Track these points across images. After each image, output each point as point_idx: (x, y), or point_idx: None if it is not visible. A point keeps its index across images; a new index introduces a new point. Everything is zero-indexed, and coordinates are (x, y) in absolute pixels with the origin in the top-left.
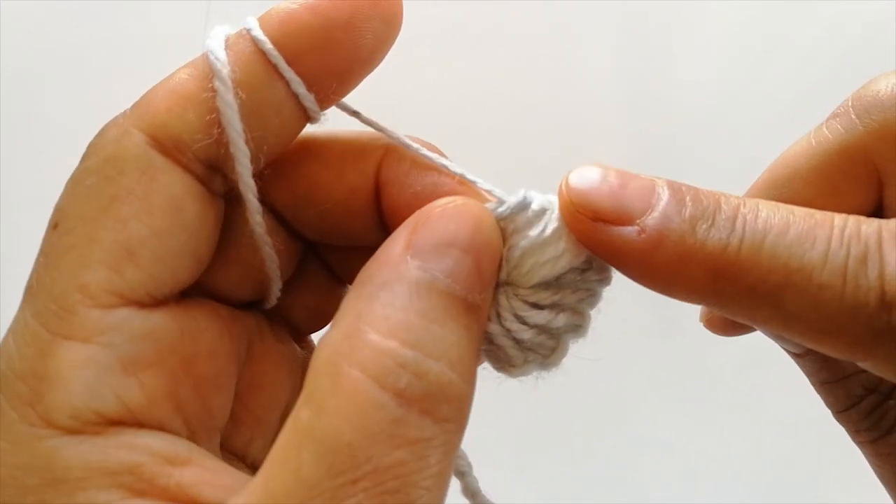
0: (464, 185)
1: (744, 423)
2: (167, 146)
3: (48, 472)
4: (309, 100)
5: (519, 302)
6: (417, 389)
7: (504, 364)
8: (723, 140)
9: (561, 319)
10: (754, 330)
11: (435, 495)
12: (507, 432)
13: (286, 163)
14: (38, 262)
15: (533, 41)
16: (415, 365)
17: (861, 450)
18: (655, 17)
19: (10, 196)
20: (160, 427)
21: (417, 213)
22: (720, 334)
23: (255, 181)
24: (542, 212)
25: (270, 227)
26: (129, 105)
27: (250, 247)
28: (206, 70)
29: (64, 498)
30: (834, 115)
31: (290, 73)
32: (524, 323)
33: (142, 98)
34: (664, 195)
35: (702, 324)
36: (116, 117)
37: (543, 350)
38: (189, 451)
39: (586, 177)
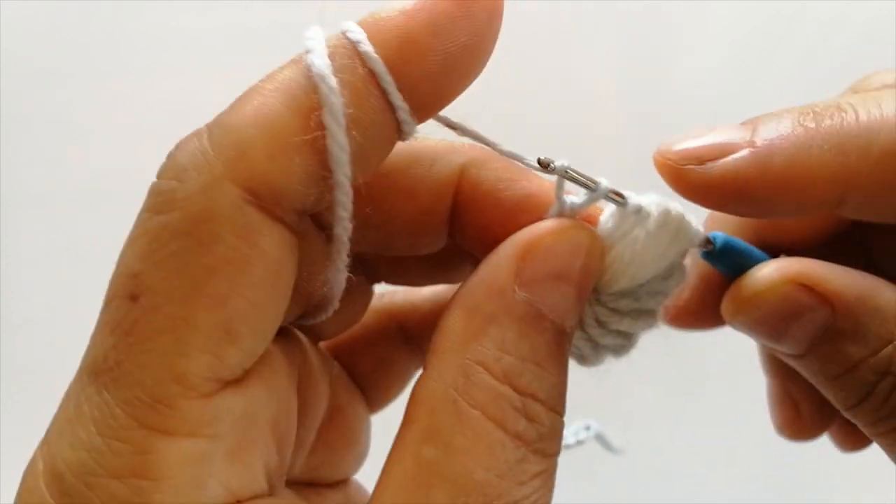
0: (548, 195)
1: (744, 424)
2: (267, 202)
3: None
4: (408, 120)
5: (602, 308)
6: (533, 433)
7: (578, 359)
8: None
9: (640, 324)
10: (719, 325)
11: None
12: None
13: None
14: (113, 339)
15: (534, 36)
16: (529, 409)
17: (880, 444)
18: (657, 13)
19: (10, 196)
20: (254, 497)
21: (523, 234)
22: (685, 327)
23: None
24: (642, 219)
25: (322, 243)
26: (129, 103)
27: (312, 277)
28: (304, 98)
29: None
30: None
31: (403, 110)
32: (605, 328)
33: (227, 133)
34: (759, 121)
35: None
36: (190, 150)
37: (617, 348)
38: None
39: (678, 141)
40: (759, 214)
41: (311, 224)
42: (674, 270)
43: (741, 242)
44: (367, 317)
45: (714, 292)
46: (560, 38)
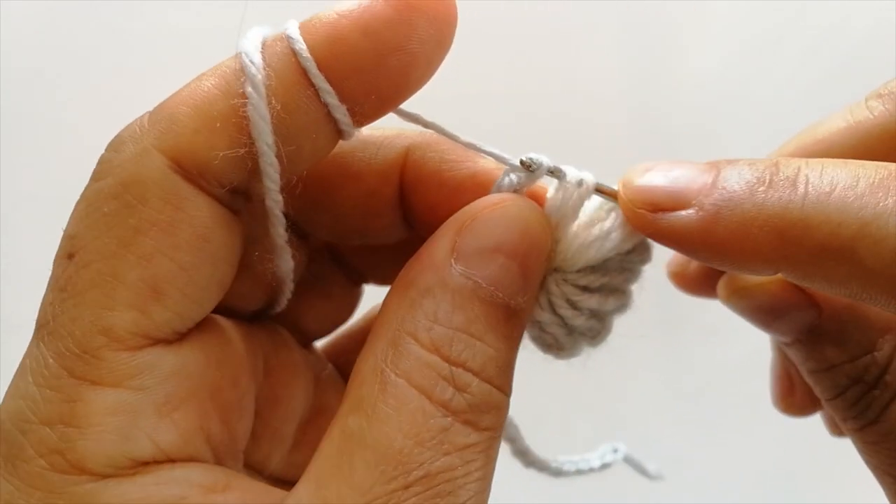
0: (491, 176)
1: (744, 425)
2: (192, 173)
3: None
4: (344, 117)
5: (570, 287)
6: (462, 402)
7: (553, 348)
8: (727, 135)
9: (611, 302)
10: (716, 295)
11: (481, 497)
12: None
13: None
14: (52, 295)
15: (536, 35)
16: (457, 379)
17: (850, 438)
18: (659, 11)
19: (10, 196)
20: (191, 460)
21: (462, 212)
22: (687, 291)
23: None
24: (586, 190)
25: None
26: (127, 103)
27: (262, 256)
28: (234, 80)
29: None
30: (876, 95)
31: (329, 94)
32: (576, 308)
33: (162, 110)
34: (715, 172)
35: (669, 278)
36: (131, 126)
37: (592, 332)
38: (226, 477)
39: (641, 174)
40: (703, 262)
41: (252, 204)
42: (636, 245)
43: None
44: (366, 322)
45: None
46: (560, 38)
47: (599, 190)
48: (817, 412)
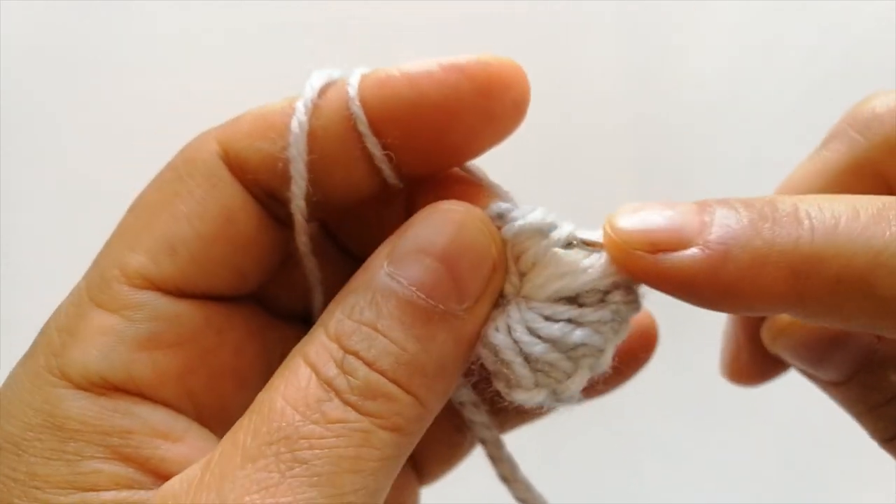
0: (475, 189)
1: (744, 425)
2: (233, 163)
3: (50, 416)
4: (384, 165)
5: (532, 314)
6: (344, 383)
7: (512, 385)
8: (728, 137)
9: (578, 336)
10: (783, 372)
11: (341, 477)
12: (507, 436)
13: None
14: (111, 237)
15: (536, 35)
16: (346, 364)
17: None
18: (659, 12)
19: (10, 196)
20: (166, 406)
21: (410, 218)
22: (747, 384)
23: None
24: (558, 228)
25: (319, 243)
26: (127, 103)
27: (291, 263)
28: (283, 113)
29: (57, 443)
30: (831, 137)
31: (372, 142)
32: (535, 334)
33: (238, 116)
34: (716, 210)
35: (726, 377)
36: (216, 127)
37: (556, 373)
38: (187, 430)
39: (631, 214)
40: (706, 308)
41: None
42: (619, 284)
43: None
44: None
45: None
46: (559, 38)
47: (572, 242)
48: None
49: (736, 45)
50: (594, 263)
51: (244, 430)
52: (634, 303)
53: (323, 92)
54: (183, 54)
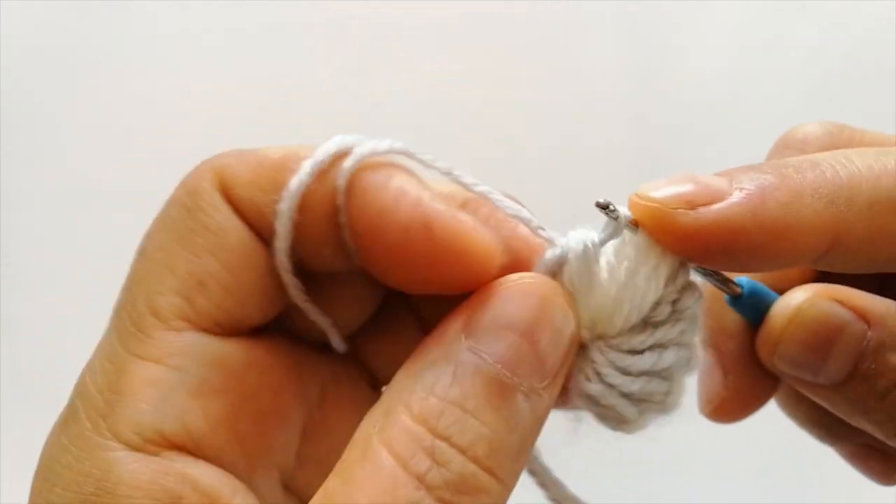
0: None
1: (744, 425)
2: (230, 200)
3: (102, 482)
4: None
5: (616, 353)
6: (437, 478)
7: (621, 423)
8: (728, 137)
9: (668, 358)
10: (763, 403)
11: None
12: None
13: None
14: (126, 283)
15: (537, 36)
16: (437, 453)
17: None
18: (659, 12)
19: (10, 196)
20: (217, 456)
21: (482, 290)
22: (728, 421)
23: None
24: (593, 250)
25: (349, 272)
26: (127, 103)
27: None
28: (294, 159)
29: None
30: (767, 160)
31: (346, 229)
32: (628, 373)
33: (239, 153)
34: (739, 172)
35: (706, 415)
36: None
37: (657, 396)
38: (233, 493)
39: (659, 184)
40: (744, 266)
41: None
42: (682, 293)
43: (764, 286)
44: None
45: (748, 374)
46: (559, 39)
47: (630, 223)
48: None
49: (736, 46)
50: (636, 270)
51: None
52: (698, 293)
53: (336, 158)
54: (183, 54)
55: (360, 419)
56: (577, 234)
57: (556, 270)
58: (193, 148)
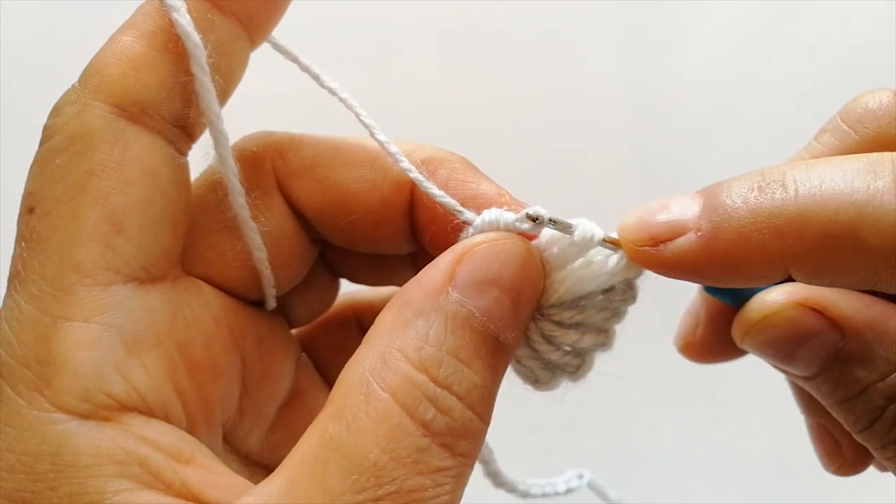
0: (503, 197)
1: (744, 425)
2: (133, 112)
3: (58, 457)
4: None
5: (546, 322)
6: (442, 424)
7: (536, 383)
8: (728, 138)
9: (587, 340)
10: (731, 359)
11: None
12: (506, 433)
13: (317, 167)
14: (19, 248)
15: (536, 42)
16: (441, 401)
17: (889, 468)
18: (658, 18)
19: (10, 196)
20: (165, 414)
21: (462, 243)
22: (699, 360)
23: (248, 165)
24: (591, 244)
25: (293, 229)
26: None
27: (233, 236)
28: (149, 28)
29: (74, 485)
30: (823, 131)
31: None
32: (552, 344)
33: (89, 70)
34: (704, 196)
35: (677, 347)
36: (67, 94)
37: (570, 367)
38: (192, 449)
39: (634, 216)
40: (713, 285)
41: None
42: (616, 287)
43: None
44: (331, 310)
45: (726, 325)
46: (559, 41)
47: (604, 240)
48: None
49: (736, 46)
50: (600, 267)
51: (332, 478)
52: (632, 297)
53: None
54: None
55: (289, 365)
56: (588, 224)
57: (533, 235)
58: (193, 147)
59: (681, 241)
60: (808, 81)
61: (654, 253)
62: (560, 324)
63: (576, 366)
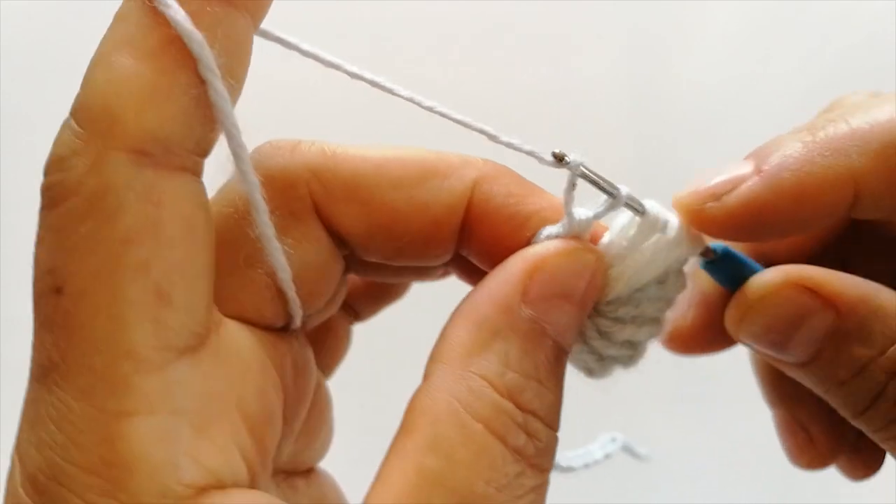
0: (558, 212)
1: (744, 425)
2: (157, 155)
3: None
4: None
5: (603, 320)
6: (531, 448)
7: (586, 372)
8: (728, 138)
9: (643, 332)
10: (724, 348)
11: None
12: None
13: (360, 188)
14: (49, 335)
15: (536, 43)
16: (529, 425)
17: (889, 449)
18: (658, 18)
19: (10, 196)
20: (234, 480)
21: (532, 252)
22: (679, 351)
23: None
24: (648, 229)
25: (330, 255)
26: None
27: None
28: (148, 42)
29: None
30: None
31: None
32: (608, 339)
33: (93, 109)
34: (757, 152)
35: (665, 346)
36: (69, 141)
37: (623, 359)
38: None
39: (688, 187)
40: (780, 234)
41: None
42: (669, 275)
43: (740, 253)
44: None
45: (716, 315)
46: (559, 41)
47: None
48: (838, 459)
49: (736, 47)
50: (655, 256)
51: None
52: (684, 285)
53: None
54: None
55: (313, 377)
56: (656, 206)
57: (585, 230)
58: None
59: (744, 186)
60: (808, 82)
61: (717, 206)
62: (617, 319)
63: (629, 356)
